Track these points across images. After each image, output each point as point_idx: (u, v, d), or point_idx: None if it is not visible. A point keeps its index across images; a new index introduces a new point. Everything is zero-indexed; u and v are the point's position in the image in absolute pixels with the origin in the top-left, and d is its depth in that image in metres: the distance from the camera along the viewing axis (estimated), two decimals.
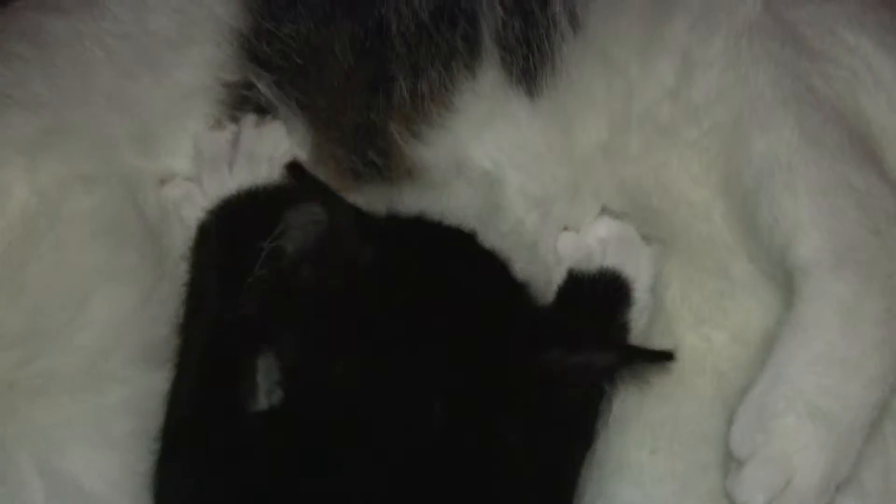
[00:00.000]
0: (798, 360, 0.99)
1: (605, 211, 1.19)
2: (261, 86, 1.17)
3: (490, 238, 1.12)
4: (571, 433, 1.09)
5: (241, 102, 1.19)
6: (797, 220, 1.03)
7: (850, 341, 0.99)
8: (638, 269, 1.16)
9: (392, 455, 0.97)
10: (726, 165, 1.10)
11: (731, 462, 1.01)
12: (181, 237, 1.15)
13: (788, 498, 0.97)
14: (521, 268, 1.11)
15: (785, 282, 1.04)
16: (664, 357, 1.06)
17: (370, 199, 1.14)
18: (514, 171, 1.16)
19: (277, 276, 1.08)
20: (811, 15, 1.15)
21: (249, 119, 1.18)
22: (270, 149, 1.17)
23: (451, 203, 1.14)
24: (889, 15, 1.16)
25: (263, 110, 1.18)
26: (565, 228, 1.19)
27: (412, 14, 1.16)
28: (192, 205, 1.16)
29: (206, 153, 1.18)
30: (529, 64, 1.15)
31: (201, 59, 1.18)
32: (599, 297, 1.16)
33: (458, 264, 1.07)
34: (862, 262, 1.01)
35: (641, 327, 1.16)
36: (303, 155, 1.18)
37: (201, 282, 1.11)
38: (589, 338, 1.07)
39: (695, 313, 1.12)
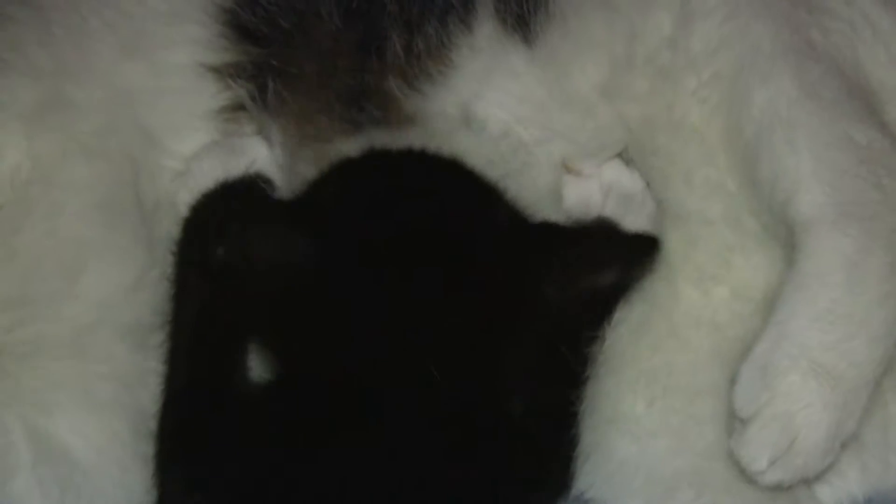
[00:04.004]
0: (801, 316, 0.98)
1: (621, 156, 1.16)
2: (248, 65, 1.15)
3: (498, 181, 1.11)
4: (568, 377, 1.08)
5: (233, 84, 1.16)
6: (798, 174, 1.02)
7: (854, 297, 0.98)
8: (636, 225, 1.12)
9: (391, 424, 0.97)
10: (727, 118, 1.09)
11: (729, 419, 1.00)
12: (173, 229, 1.13)
13: (793, 457, 0.96)
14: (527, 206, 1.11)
15: (787, 238, 1.03)
16: (652, 244, 1.06)
17: (374, 142, 1.12)
18: (518, 120, 1.14)
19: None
20: None
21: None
22: (253, 147, 1.15)
23: (456, 150, 1.12)
24: None
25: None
26: (570, 171, 1.15)
27: None
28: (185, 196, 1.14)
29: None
30: (524, 10, 1.14)
31: (190, 39, 1.15)
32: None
33: (437, 205, 1.07)
34: (864, 217, 1.00)
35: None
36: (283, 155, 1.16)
37: (181, 277, 1.10)
38: (585, 257, 1.06)
39: (698, 267, 1.11)
